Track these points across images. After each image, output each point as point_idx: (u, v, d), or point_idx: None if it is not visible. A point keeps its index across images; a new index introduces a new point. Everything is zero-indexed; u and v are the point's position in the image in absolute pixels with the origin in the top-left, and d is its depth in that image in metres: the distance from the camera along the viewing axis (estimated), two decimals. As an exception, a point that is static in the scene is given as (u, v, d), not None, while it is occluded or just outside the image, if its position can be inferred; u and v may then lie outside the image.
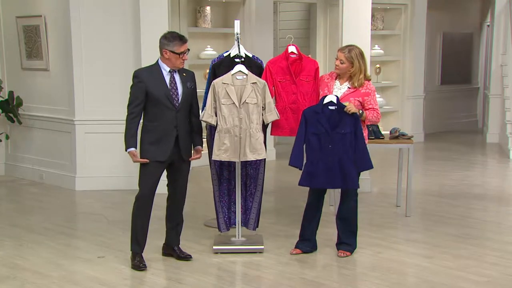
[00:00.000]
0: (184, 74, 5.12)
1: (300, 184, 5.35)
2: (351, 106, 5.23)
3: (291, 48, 5.63)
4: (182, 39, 5.00)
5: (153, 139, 5.01)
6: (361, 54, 5.41)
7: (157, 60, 5.08)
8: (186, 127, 5.13)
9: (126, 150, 5.01)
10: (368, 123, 5.54)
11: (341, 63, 5.39)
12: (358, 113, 5.27)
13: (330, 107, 5.22)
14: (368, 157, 5.34)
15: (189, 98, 5.13)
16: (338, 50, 5.49)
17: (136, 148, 5.01)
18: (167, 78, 5.03)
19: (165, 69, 5.04)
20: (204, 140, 5.42)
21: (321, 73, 5.82)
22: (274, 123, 5.60)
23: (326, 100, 5.24)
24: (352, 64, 5.36)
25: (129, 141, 4.99)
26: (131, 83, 5.04)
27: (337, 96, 5.27)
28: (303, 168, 5.33)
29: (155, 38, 5.32)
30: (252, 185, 5.74)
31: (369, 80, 5.47)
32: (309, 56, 5.85)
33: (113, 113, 7.60)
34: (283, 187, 8.14)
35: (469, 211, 6.91)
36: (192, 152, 5.25)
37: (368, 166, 5.36)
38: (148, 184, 5.04)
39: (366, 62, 5.50)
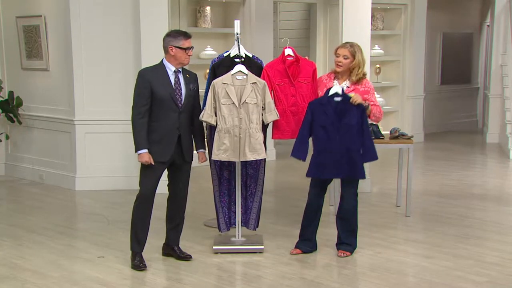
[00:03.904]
0: (187, 76, 5.14)
1: (307, 175, 5.34)
2: (356, 97, 5.24)
3: (288, 51, 5.61)
4: (186, 35, 5.05)
5: (155, 139, 5.00)
6: (361, 49, 5.50)
7: (162, 60, 5.09)
8: (188, 128, 5.14)
9: (137, 152, 4.97)
10: (373, 118, 5.54)
11: (345, 59, 5.42)
12: (364, 105, 5.28)
13: (336, 99, 5.23)
14: (374, 148, 5.36)
15: (192, 100, 5.14)
16: (339, 47, 5.52)
17: (148, 149, 4.98)
18: (172, 78, 5.04)
19: (170, 69, 5.04)
20: (204, 140, 5.42)
21: (320, 73, 5.81)
22: (274, 126, 5.60)
23: (331, 92, 5.24)
24: (354, 58, 5.42)
25: (142, 143, 4.95)
26: (134, 82, 5.04)
27: (342, 88, 5.28)
28: (311, 159, 5.31)
29: (155, 38, 5.33)
30: (252, 185, 5.74)
31: (364, 75, 5.50)
32: (306, 58, 5.84)
33: (113, 113, 7.61)
34: (283, 187, 8.14)
35: (469, 211, 6.91)
36: (198, 155, 5.27)
37: (374, 157, 5.36)
38: (149, 184, 5.04)
39: (365, 57, 5.58)
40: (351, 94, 5.26)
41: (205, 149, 5.31)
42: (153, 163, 4.97)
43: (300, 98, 5.58)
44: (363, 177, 5.33)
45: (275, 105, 5.49)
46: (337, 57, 5.47)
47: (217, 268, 5.17)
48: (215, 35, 9.68)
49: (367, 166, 7.04)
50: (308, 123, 5.30)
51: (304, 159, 5.33)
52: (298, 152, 5.32)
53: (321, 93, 5.51)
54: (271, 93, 5.48)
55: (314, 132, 5.29)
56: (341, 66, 5.45)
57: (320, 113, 5.25)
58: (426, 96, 12.11)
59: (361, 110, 5.26)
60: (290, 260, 5.33)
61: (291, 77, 5.59)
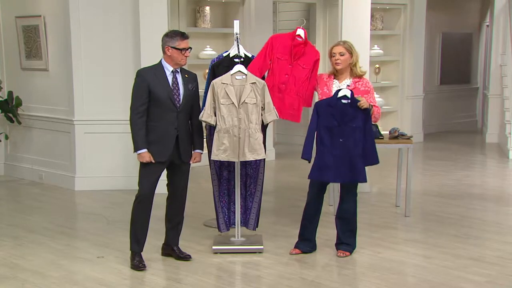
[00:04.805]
0: (186, 76, 5.14)
1: (309, 177, 5.34)
2: (364, 102, 5.25)
3: (299, 31, 5.62)
4: (183, 35, 5.05)
5: (154, 139, 5.00)
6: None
7: (160, 60, 5.10)
8: (186, 128, 5.14)
9: (136, 151, 4.98)
10: (372, 119, 5.55)
11: (342, 55, 5.43)
12: (369, 109, 5.30)
13: (343, 101, 5.23)
14: (376, 152, 5.36)
15: (190, 100, 5.14)
16: (333, 47, 5.54)
17: (147, 149, 4.99)
18: (170, 78, 5.04)
19: (168, 69, 5.05)
20: (204, 140, 5.42)
21: (320, 67, 5.81)
22: None
23: (340, 94, 5.24)
24: (351, 54, 5.44)
25: (141, 142, 4.96)
26: (133, 82, 5.03)
27: (351, 91, 5.28)
28: (314, 161, 5.31)
29: (155, 38, 5.31)
30: (252, 185, 5.74)
31: (364, 73, 5.53)
32: (314, 45, 5.82)
33: (113, 113, 7.61)
34: (283, 187, 8.13)
35: (469, 211, 6.91)
36: (192, 154, 5.26)
37: (375, 161, 5.37)
38: (148, 184, 5.04)
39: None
40: (359, 98, 5.26)
41: (202, 150, 5.30)
42: (153, 161, 4.98)
43: (292, 80, 5.58)
44: (364, 180, 5.31)
45: (267, 78, 5.47)
46: (333, 56, 5.48)
47: (217, 268, 5.17)
48: (215, 35, 9.68)
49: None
50: (315, 124, 5.29)
51: (309, 160, 5.32)
52: (306, 154, 5.30)
53: (320, 91, 5.53)
54: (268, 62, 5.46)
55: (319, 133, 5.28)
56: (339, 63, 5.45)
57: (327, 115, 5.24)
58: (426, 96, 12.12)
59: (366, 114, 5.26)
60: (290, 260, 5.33)
61: (292, 56, 5.59)
